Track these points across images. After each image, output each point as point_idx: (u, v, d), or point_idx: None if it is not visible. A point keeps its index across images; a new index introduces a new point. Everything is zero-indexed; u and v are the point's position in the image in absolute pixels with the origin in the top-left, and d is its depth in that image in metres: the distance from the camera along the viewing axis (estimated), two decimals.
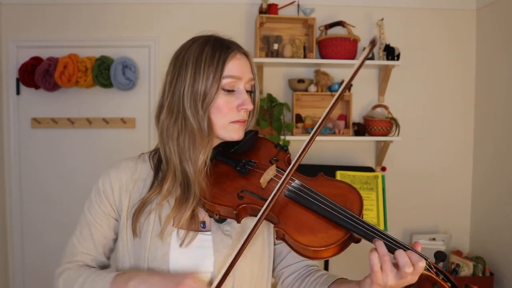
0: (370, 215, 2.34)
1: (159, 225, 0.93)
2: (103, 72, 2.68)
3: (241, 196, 0.91)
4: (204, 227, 0.96)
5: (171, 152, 0.94)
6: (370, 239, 0.80)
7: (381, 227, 2.33)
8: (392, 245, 0.80)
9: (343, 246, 0.82)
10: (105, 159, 2.81)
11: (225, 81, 0.92)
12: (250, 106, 0.94)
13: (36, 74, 2.65)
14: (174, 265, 0.92)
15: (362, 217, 0.85)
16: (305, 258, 1.01)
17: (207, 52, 0.92)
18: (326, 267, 2.43)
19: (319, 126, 0.92)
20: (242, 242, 0.83)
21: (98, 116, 2.82)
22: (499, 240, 2.65)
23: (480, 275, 2.56)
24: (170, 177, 0.94)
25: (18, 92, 2.79)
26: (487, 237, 2.80)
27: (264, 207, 0.84)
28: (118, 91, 2.77)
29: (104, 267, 1.02)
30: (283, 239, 0.85)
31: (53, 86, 2.68)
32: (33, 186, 2.84)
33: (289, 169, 0.88)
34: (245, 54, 0.97)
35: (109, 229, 0.99)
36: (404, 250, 0.79)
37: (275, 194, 0.85)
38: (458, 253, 2.75)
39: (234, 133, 0.96)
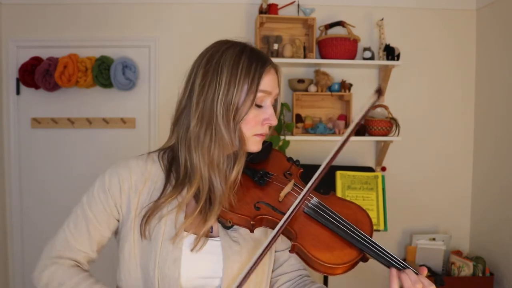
0: (370, 215, 2.34)
1: (171, 229, 0.92)
2: (103, 72, 2.68)
3: (258, 207, 0.93)
4: (212, 232, 0.96)
5: (199, 161, 0.91)
6: (383, 262, 0.86)
7: (381, 227, 2.33)
8: (402, 267, 0.85)
9: (354, 265, 0.87)
10: (105, 159, 2.81)
11: (258, 95, 0.91)
12: (275, 122, 0.94)
13: (36, 74, 2.65)
14: (185, 270, 0.91)
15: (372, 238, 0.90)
16: (300, 268, 1.05)
17: (243, 62, 0.90)
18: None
19: (336, 152, 0.96)
20: (258, 254, 0.84)
21: (98, 116, 2.82)
22: (499, 240, 2.65)
23: (480, 275, 2.56)
24: (194, 187, 0.91)
25: (18, 92, 2.79)
26: (487, 237, 2.80)
27: (283, 220, 0.87)
28: (118, 91, 2.77)
29: (91, 261, 1.00)
30: (297, 253, 0.88)
31: (53, 86, 2.68)
32: (33, 186, 2.84)
33: (309, 184, 0.90)
34: (276, 68, 0.97)
35: (108, 228, 0.97)
36: (416, 274, 0.83)
37: (294, 208, 0.87)
38: (458, 253, 2.75)
39: (255, 146, 0.96)
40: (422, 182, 2.94)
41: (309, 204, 0.93)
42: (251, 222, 0.90)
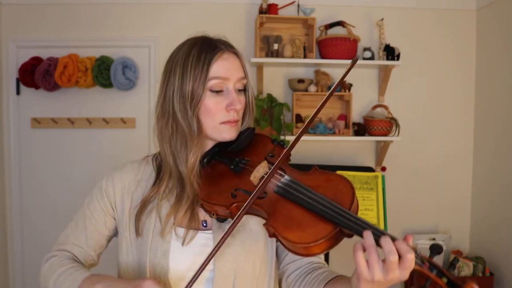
0: (370, 215, 2.34)
1: (160, 223, 0.95)
2: (103, 72, 2.68)
3: (235, 194, 0.91)
4: (206, 226, 0.97)
5: (165, 152, 0.96)
6: (359, 233, 0.76)
7: (381, 227, 2.33)
8: (379, 235, 0.75)
9: (333, 241, 0.80)
10: (105, 159, 2.81)
11: (211, 82, 0.92)
12: (238, 106, 0.94)
13: (36, 74, 2.65)
14: (174, 263, 0.93)
15: (356, 208, 0.83)
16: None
17: (193, 54, 0.93)
18: (327, 261, 2.43)
19: (309, 121, 0.90)
20: (222, 234, 0.83)
21: (98, 116, 2.82)
22: (499, 240, 2.65)
23: (480, 275, 2.56)
24: (166, 177, 0.96)
25: (18, 92, 2.79)
26: (487, 237, 2.80)
27: (248, 201, 0.84)
28: (118, 91, 2.77)
29: (91, 264, 1.03)
30: (275, 237, 0.83)
31: (53, 86, 2.68)
32: (33, 186, 2.84)
33: (276, 162, 0.88)
34: (235, 53, 0.97)
35: (104, 225, 1.01)
36: (393, 241, 0.73)
37: (259, 188, 0.85)
38: (458, 253, 2.75)
39: (226, 134, 0.96)
40: (422, 182, 2.94)
41: (279, 183, 0.88)
42: (227, 211, 0.90)
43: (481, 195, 2.88)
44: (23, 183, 2.83)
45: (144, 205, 0.97)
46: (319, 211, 0.82)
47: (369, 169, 2.62)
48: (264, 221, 0.87)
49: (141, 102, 2.84)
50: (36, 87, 2.73)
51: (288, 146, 0.90)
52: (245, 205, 0.84)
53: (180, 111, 0.92)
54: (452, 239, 2.89)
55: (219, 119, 0.94)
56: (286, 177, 0.90)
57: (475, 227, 2.94)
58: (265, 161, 0.95)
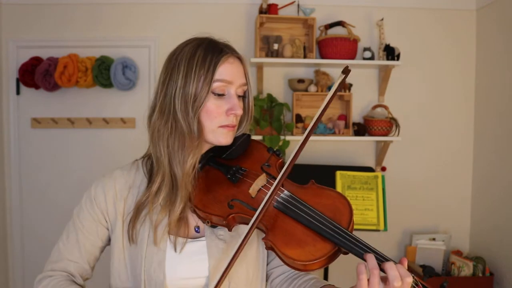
0: (370, 215, 2.34)
1: (153, 232, 0.93)
2: (103, 72, 2.68)
3: (231, 205, 0.90)
4: (198, 232, 0.96)
5: (161, 153, 0.93)
6: (357, 254, 0.80)
7: (381, 227, 2.33)
8: (381, 259, 0.79)
9: (331, 259, 0.82)
10: (105, 159, 2.81)
11: (215, 85, 0.91)
12: (239, 111, 0.93)
13: (36, 74, 2.65)
14: (170, 272, 0.92)
15: (352, 227, 0.85)
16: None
17: (199, 55, 0.91)
18: (325, 273, 2.43)
19: (308, 133, 0.89)
20: (234, 251, 0.82)
21: (98, 116, 2.82)
22: (499, 240, 2.65)
23: (480, 275, 2.56)
24: (159, 178, 0.94)
25: (18, 92, 2.79)
26: (487, 237, 2.80)
27: (253, 219, 0.84)
28: (118, 91, 2.77)
29: (86, 278, 1.01)
30: (272, 250, 0.84)
31: (53, 86, 2.68)
32: (33, 186, 2.84)
33: (277, 180, 0.87)
34: (239, 59, 0.96)
35: (97, 236, 0.99)
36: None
37: (263, 206, 0.84)
38: (458, 253, 2.75)
39: (222, 138, 0.95)
40: (422, 182, 2.94)
41: (278, 198, 0.88)
42: (224, 222, 0.89)
43: (481, 195, 2.88)
44: (23, 183, 2.83)
45: (138, 210, 0.94)
46: (319, 230, 0.83)
47: (369, 169, 2.62)
48: (262, 234, 0.88)
49: (141, 102, 2.84)
50: (36, 87, 2.73)
51: (288, 162, 0.88)
52: (250, 225, 0.83)
53: (181, 111, 0.91)
54: (452, 239, 2.89)
55: (218, 123, 0.93)
56: (286, 192, 0.90)
57: (475, 227, 2.94)
58: (264, 174, 0.94)
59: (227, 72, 0.92)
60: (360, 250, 0.79)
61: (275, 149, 1.00)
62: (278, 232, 0.84)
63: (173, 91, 0.91)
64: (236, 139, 0.99)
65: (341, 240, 0.80)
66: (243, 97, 0.99)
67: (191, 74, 0.90)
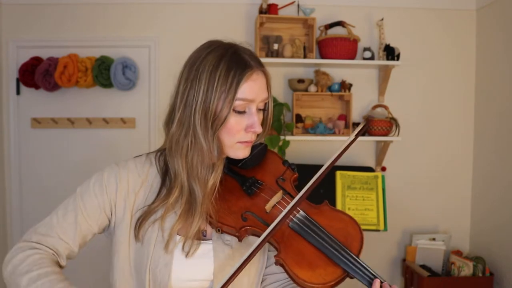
0: (370, 215, 2.34)
1: (162, 234, 0.92)
2: (103, 72, 2.68)
3: (245, 217, 0.91)
4: (205, 236, 0.96)
5: (179, 167, 0.91)
6: (366, 282, 0.83)
7: (381, 227, 2.33)
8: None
9: (338, 283, 0.84)
10: (105, 159, 2.81)
11: (237, 103, 0.88)
12: (258, 129, 0.91)
13: (36, 74, 2.65)
14: (176, 273, 0.92)
15: (360, 254, 0.87)
16: None
17: (222, 68, 0.87)
18: None
19: (330, 164, 0.93)
20: (240, 263, 0.83)
21: (98, 116, 2.82)
22: (499, 240, 2.65)
23: (480, 275, 2.56)
24: (177, 191, 0.92)
25: (18, 92, 2.79)
26: (487, 237, 2.80)
27: (265, 234, 0.84)
28: (118, 91, 2.77)
29: (70, 259, 0.96)
30: (282, 267, 0.86)
31: (53, 86, 2.68)
32: (33, 186, 2.84)
33: (293, 202, 0.87)
34: (263, 72, 0.93)
35: (96, 223, 0.95)
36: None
37: (277, 225, 0.85)
38: (458, 253, 2.75)
39: (240, 152, 0.94)
40: (422, 182, 2.94)
41: (294, 218, 0.90)
42: (236, 234, 0.90)
43: (481, 195, 2.88)
44: (23, 183, 2.83)
45: (148, 213, 0.93)
46: (331, 255, 0.85)
47: (369, 169, 2.62)
48: (273, 250, 0.90)
49: (141, 102, 2.84)
50: (36, 87, 2.73)
51: (308, 186, 0.88)
52: (260, 240, 0.84)
53: (201, 127, 0.88)
54: (452, 239, 2.89)
55: (237, 139, 0.91)
56: (301, 213, 0.91)
57: (475, 227, 2.94)
58: (281, 191, 0.95)
59: (250, 90, 0.89)
60: (368, 278, 0.83)
61: (290, 163, 1.01)
62: (290, 251, 0.86)
63: (194, 105, 0.88)
64: (252, 148, 0.97)
65: (351, 267, 0.83)
66: (263, 110, 0.96)
67: (213, 90, 0.87)
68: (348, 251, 0.85)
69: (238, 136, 0.91)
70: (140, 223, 0.93)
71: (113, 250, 0.96)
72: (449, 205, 2.96)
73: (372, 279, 0.82)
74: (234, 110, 0.89)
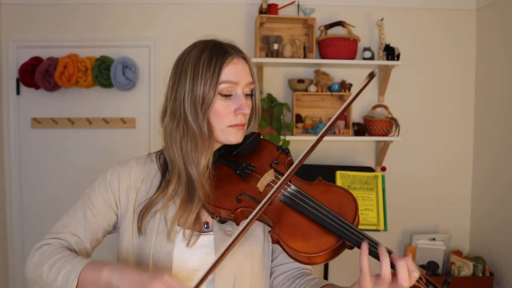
0: (370, 215, 2.34)
1: (164, 225, 0.96)
2: (103, 72, 2.68)
3: (240, 199, 0.93)
4: (208, 227, 0.99)
5: (175, 155, 0.96)
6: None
7: (381, 227, 2.33)
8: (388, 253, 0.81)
9: (335, 253, 0.84)
10: (105, 159, 2.81)
11: (222, 86, 0.93)
12: (247, 110, 0.96)
13: (36, 74, 2.65)
14: (177, 264, 0.94)
15: (357, 223, 0.87)
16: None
17: (204, 58, 0.94)
18: (326, 271, 2.43)
19: (324, 132, 0.94)
20: (230, 241, 0.83)
21: (98, 116, 2.82)
22: (499, 240, 2.65)
23: (480, 275, 2.56)
24: (175, 179, 0.96)
25: (18, 92, 2.79)
26: (487, 237, 2.80)
27: (256, 210, 0.85)
28: (118, 91, 2.77)
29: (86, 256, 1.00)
30: (278, 244, 0.86)
31: (53, 86, 2.68)
32: (33, 186, 2.84)
33: (286, 174, 0.89)
34: (244, 58, 0.98)
35: (105, 219, 1.00)
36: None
37: (268, 199, 0.86)
38: (458, 253, 2.75)
39: (232, 137, 0.97)
40: (422, 182, 2.94)
41: (285, 192, 0.91)
42: (232, 215, 0.91)
43: (481, 195, 2.88)
44: (23, 183, 2.83)
45: (150, 205, 0.97)
46: (324, 223, 0.85)
47: (369, 169, 2.62)
48: (268, 228, 0.90)
49: (141, 102, 2.84)
50: (36, 87, 2.73)
51: (299, 159, 0.89)
52: (252, 215, 0.85)
53: (191, 113, 0.94)
54: (452, 239, 2.89)
55: (227, 123, 0.96)
56: (293, 187, 0.92)
57: (475, 227, 2.94)
58: (272, 170, 0.97)
59: (232, 73, 0.94)
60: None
61: (284, 148, 1.03)
62: (284, 226, 0.87)
63: (182, 95, 0.95)
64: (246, 137, 1.02)
65: (346, 233, 0.82)
66: (250, 95, 1.01)
67: (198, 78, 0.93)
68: (342, 218, 0.84)
69: (228, 119, 0.96)
70: (142, 215, 0.96)
71: (118, 244, 1.00)
72: (449, 205, 2.96)
73: (376, 244, 0.81)
74: (220, 94, 0.94)
